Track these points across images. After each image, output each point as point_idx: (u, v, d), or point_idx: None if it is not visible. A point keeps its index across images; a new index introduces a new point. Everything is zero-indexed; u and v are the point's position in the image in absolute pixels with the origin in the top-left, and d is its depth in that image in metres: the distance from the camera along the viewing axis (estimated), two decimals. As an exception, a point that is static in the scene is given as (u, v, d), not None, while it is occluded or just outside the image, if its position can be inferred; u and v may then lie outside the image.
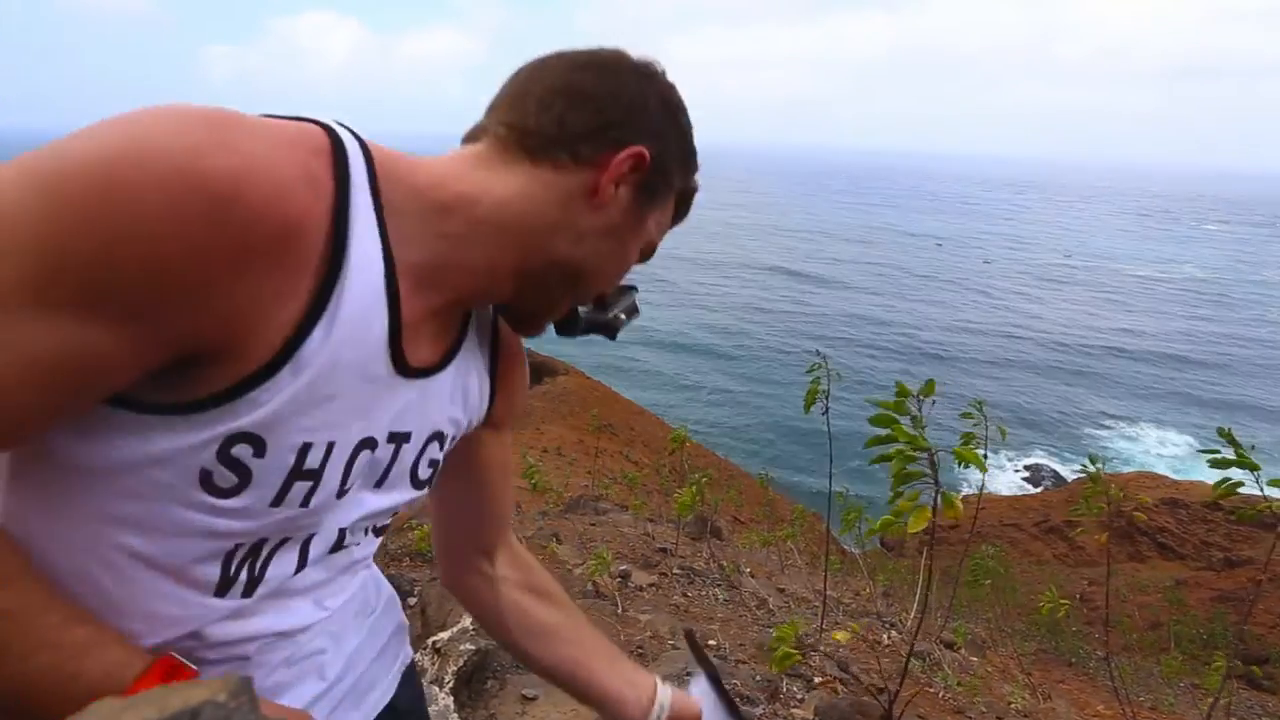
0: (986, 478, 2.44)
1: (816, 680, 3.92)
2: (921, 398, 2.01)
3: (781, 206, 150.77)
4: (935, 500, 1.87)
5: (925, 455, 1.89)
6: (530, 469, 8.16)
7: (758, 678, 3.75)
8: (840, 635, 2.97)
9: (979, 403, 2.69)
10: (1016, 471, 39.04)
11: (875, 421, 1.94)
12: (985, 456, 2.24)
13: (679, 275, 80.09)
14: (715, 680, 1.10)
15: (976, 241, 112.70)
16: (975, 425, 2.93)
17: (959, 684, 4.61)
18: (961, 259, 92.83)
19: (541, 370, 34.68)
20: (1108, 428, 44.85)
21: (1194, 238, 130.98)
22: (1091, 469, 3.23)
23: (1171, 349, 58.79)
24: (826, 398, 4.07)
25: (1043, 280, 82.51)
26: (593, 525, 7.90)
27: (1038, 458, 40.76)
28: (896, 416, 1.93)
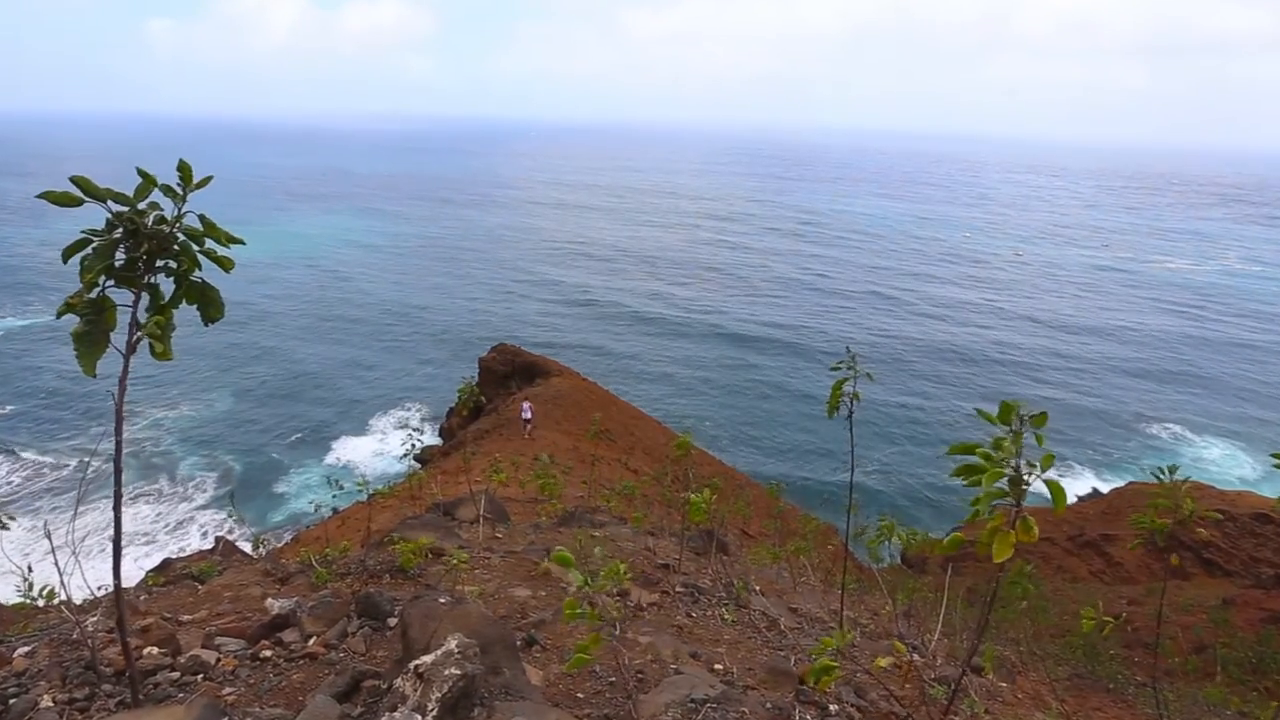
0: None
1: (832, 708, 3.91)
2: (1025, 423, 2.06)
3: (771, 196, 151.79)
4: (1015, 522, 1.91)
5: (1017, 475, 1.94)
6: (541, 471, 8.00)
7: (768, 705, 3.74)
8: (883, 662, 2.95)
9: (1043, 415, 2.68)
10: (1048, 481, 39.13)
11: (955, 449, 2.01)
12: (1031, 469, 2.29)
13: (678, 274, 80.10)
14: None
15: (1003, 231, 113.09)
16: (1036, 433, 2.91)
17: (986, 712, 4.60)
18: (990, 255, 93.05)
19: (534, 370, 34.55)
20: (1147, 434, 44.86)
21: (1213, 225, 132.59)
22: (1164, 477, 3.21)
23: (1208, 352, 58.88)
24: (852, 400, 3.98)
25: (1078, 277, 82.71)
26: (590, 539, 7.89)
27: (1072, 467, 40.81)
28: (1001, 431, 1.99)
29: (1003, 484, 2.00)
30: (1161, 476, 3.25)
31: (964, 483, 2.03)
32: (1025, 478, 2.00)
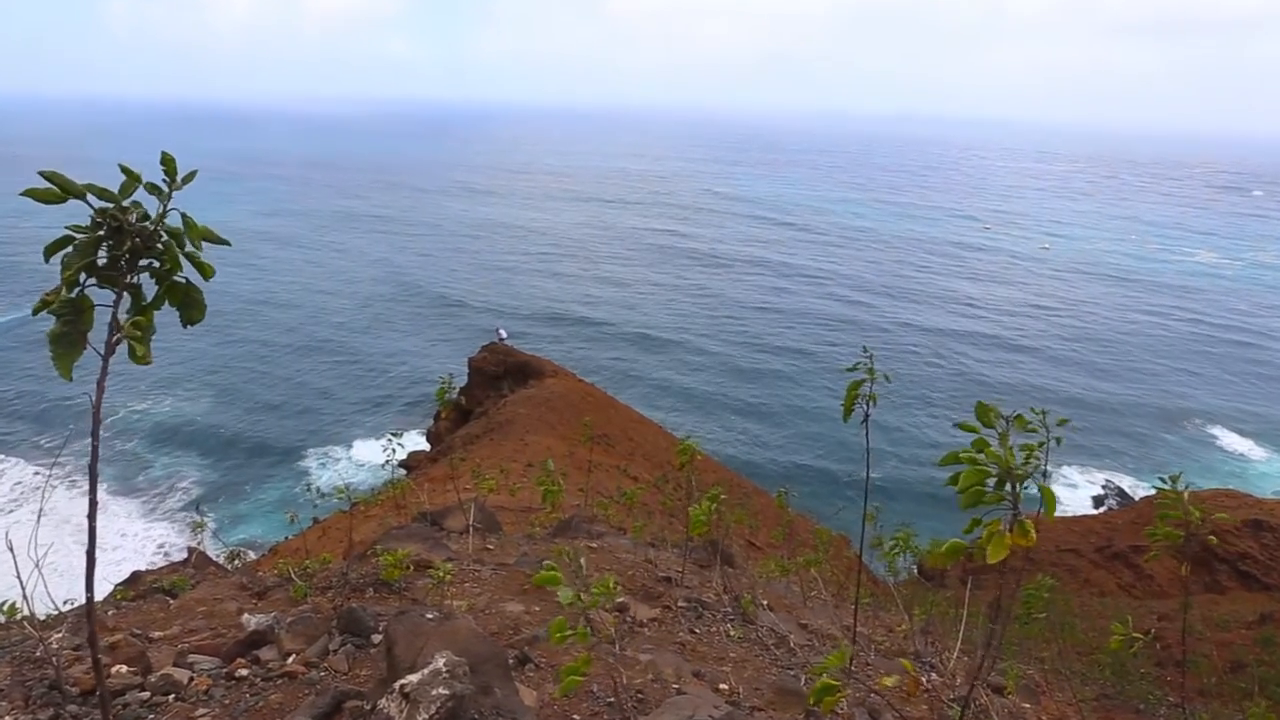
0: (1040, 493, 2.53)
1: (845, 730, 3.91)
2: (1009, 424, 2.06)
3: (773, 184, 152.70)
4: (1010, 525, 1.92)
5: (1006, 477, 1.95)
6: (546, 480, 7.85)
7: (777, 727, 3.74)
8: (889, 680, 2.96)
9: (1042, 410, 2.68)
10: (1074, 487, 39.08)
11: (946, 459, 2.02)
12: (1046, 473, 2.28)
13: (679, 272, 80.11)
14: None
15: (1023, 222, 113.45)
16: (1038, 439, 2.89)
17: (1009, 735, 4.60)
18: (1014, 253, 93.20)
19: (527, 371, 34.54)
20: (1183, 438, 44.85)
21: (1238, 214, 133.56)
22: (1167, 486, 3.21)
23: (1251, 353, 58.90)
24: (869, 403, 3.98)
25: (1108, 274, 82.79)
26: (586, 551, 7.89)
27: (1101, 472, 40.81)
28: (983, 432, 2.00)
29: (987, 486, 2.03)
30: (1165, 484, 3.26)
31: (956, 491, 2.06)
32: (1016, 479, 2.02)
